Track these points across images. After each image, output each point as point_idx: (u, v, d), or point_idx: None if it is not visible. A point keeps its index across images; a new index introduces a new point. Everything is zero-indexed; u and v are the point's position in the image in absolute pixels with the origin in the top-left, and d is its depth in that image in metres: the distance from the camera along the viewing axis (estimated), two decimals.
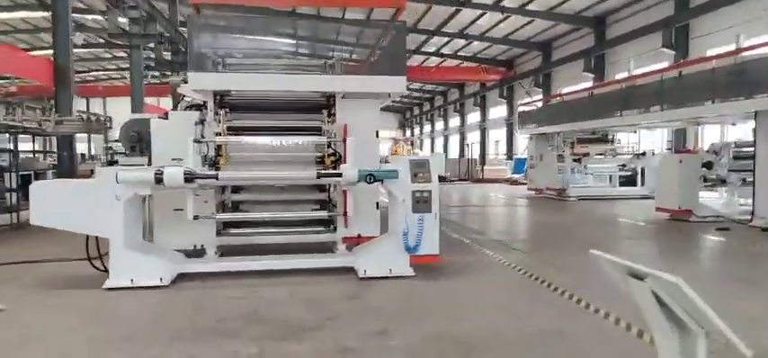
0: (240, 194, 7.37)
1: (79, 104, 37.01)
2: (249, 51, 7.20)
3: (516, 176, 26.56)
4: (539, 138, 17.87)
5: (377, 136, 7.60)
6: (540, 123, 17.95)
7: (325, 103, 7.38)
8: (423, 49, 32.96)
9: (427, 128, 53.92)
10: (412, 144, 53.72)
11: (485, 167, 32.42)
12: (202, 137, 6.82)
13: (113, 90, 37.89)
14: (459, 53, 33.32)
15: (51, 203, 5.53)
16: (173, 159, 6.66)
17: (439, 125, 50.27)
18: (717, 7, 17.14)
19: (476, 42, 30.52)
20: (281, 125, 7.14)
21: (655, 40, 20.11)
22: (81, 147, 29.59)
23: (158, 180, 5.52)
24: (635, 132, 17.93)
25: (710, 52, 15.63)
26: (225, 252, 7.12)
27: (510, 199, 17.56)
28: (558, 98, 20.32)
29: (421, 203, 6.13)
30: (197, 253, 7.02)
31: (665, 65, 15.40)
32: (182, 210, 6.82)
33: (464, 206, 15.81)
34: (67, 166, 12.06)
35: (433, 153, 37.86)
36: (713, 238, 9.18)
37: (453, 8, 25.21)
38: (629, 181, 17.52)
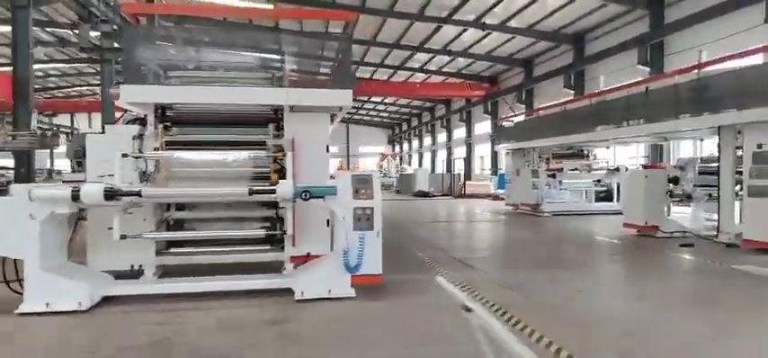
0: (183, 212, 7.13)
1: (63, 120, 36.68)
2: (191, 63, 6.97)
3: (499, 192, 26.42)
4: (515, 153, 17.75)
5: (327, 151, 7.39)
6: (515, 139, 17.84)
7: (274, 117, 7.19)
8: (407, 65, 33.00)
9: (415, 143, 53.90)
10: (401, 159, 53.67)
11: (469, 183, 32.30)
12: (141, 152, 6.58)
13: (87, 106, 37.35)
14: (443, 69, 33.37)
15: None
16: (108, 176, 6.44)
17: (427, 140, 50.26)
18: (690, 24, 17.20)
19: (460, 59, 30.59)
20: (226, 140, 6.91)
21: (631, 58, 20.18)
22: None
23: (75, 197, 5.28)
24: (608, 148, 17.84)
25: None
26: (170, 272, 6.89)
27: (486, 215, 17.39)
28: (533, 114, 20.30)
29: (362, 221, 5.92)
30: (135, 274, 6.75)
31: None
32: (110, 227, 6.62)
33: (438, 222, 15.62)
34: (25, 182, 11.77)
35: (418, 168, 37.73)
36: (677, 255, 9.01)
37: (435, 25, 25.27)
38: (605, 196, 17.40)
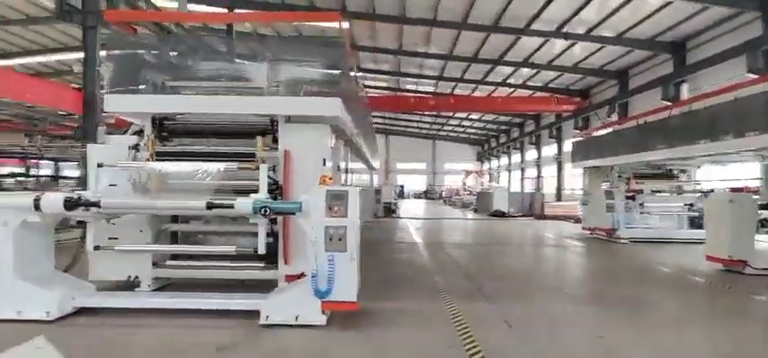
0: (179, 224, 7.00)
1: None
2: (181, 72, 6.84)
3: None
4: (592, 172, 16.10)
5: (324, 164, 6.91)
6: (592, 155, 16.15)
7: (269, 128, 6.85)
8: (488, 79, 31.81)
9: (505, 160, 51.98)
10: (490, 176, 51.96)
11: (556, 203, 30.24)
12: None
13: None
14: (528, 83, 31.74)
15: None
16: (109, 186, 6.46)
17: (516, 157, 48.23)
18: None
19: (546, 71, 28.91)
20: (217, 151, 6.68)
21: (740, 65, 17.67)
22: None
23: (37, 206, 5.24)
24: (699, 166, 15.61)
25: None
26: (172, 285, 6.87)
27: (553, 239, 15.91)
28: (608, 127, 18.41)
29: (334, 241, 5.34)
30: (130, 285, 6.70)
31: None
32: (116, 238, 6.61)
33: (488, 244, 14.49)
34: None
35: (497, 186, 36.04)
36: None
37: (513, 37, 24.06)
38: (699, 222, 15.22)
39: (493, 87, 33.59)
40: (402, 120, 51.84)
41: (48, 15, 20.99)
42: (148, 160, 6.49)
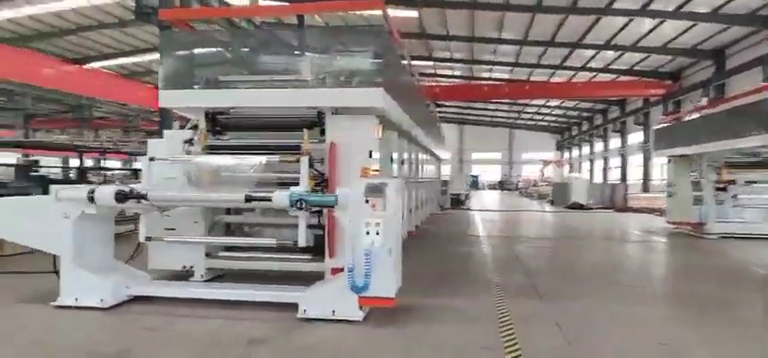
0: (231, 216, 7.17)
1: None
2: (232, 66, 6.98)
3: None
4: (678, 161, 14.77)
5: (370, 156, 6.78)
6: (676, 143, 14.81)
7: (317, 121, 6.83)
8: (567, 64, 30.29)
9: (586, 149, 49.53)
10: (571, 166, 49.79)
11: (642, 195, 28.33)
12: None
13: None
14: (611, 66, 29.88)
15: (7, 219, 5.85)
16: (165, 179, 6.73)
17: (598, 146, 45.78)
18: None
19: (631, 53, 27.07)
20: (268, 144, 6.75)
21: None
22: None
23: (90, 199, 5.51)
24: None
25: None
26: (228, 276, 7.10)
27: (631, 233, 14.85)
28: (696, 112, 16.81)
29: (371, 235, 5.21)
30: (185, 274, 6.95)
31: None
32: (173, 229, 6.88)
33: (557, 239, 13.75)
34: None
35: (576, 176, 34.19)
36: None
37: (593, 17, 22.70)
38: None
39: (573, 72, 32.01)
40: (476, 108, 50.70)
41: (115, 21, 22.47)
42: (200, 154, 6.66)
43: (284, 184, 6.20)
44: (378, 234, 5.20)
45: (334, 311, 5.27)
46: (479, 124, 58.29)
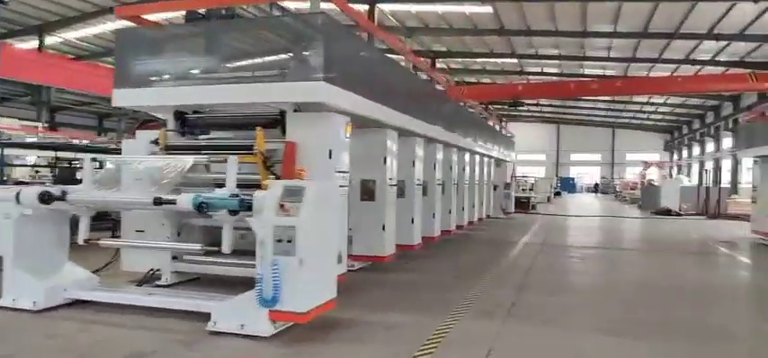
0: (197, 219, 6.96)
1: None
2: (188, 63, 6.75)
3: None
4: (764, 163, 12.50)
5: (330, 156, 6.25)
6: (760, 141, 12.53)
7: (279, 119, 6.43)
8: (665, 57, 27.22)
9: (697, 150, 44.54)
10: (678, 168, 45.03)
11: (744, 200, 24.70)
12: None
13: None
14: (717, 58, 26.39)
15: None
16: (136, 180, 6.70)
17: (710, 146, 40.92)
18: None
19: (736, 43, 23.71)
20: (220, 144, 6.49)
21: None
22: None
23: (17, 199, 5.50)
24: None
25: None
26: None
27: (704, 243, 12.82)
28: None
29: (282, 243, 4.68)
30: (149, 278, 6.82)
31: None
32: (143, 231, 6.82)
33: (613, 249, 12.23)
34: None
35: (667, 179, 30.47)
36: None
37: (689, 3, 20.09)
38: None
39: (674, 65, 28.78)
40: (572, 107, 47.48)
41: None
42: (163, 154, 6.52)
43: (245, 186, 5.87)
44: (289, 242, 4.67)
45: (242, 326, 4.83)
46: (578, 124, 54.74)
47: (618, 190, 42.17)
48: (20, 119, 22.53)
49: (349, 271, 8.04)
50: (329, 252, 5.17)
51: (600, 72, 32.17)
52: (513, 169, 35.73)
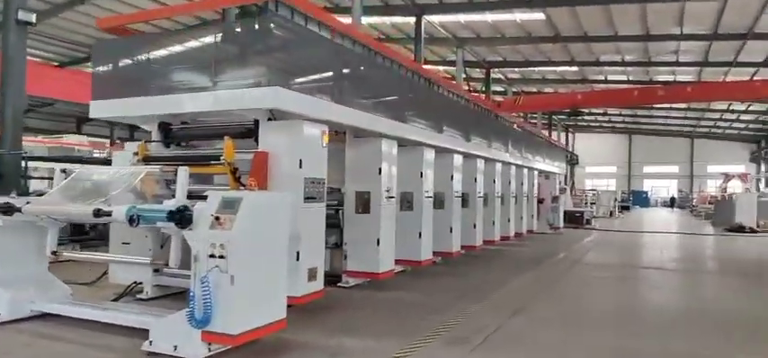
0: None
1: None
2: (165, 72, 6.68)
3: None
4: None
5: (300, 166, 5.95)
6: None
7: (254, 128, 6.25)
8: (740, 59, 24.92)
9: None
10: (767, 181, 41.06)
11: None
12: None
13: None
14: None
15: None
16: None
17: None
18: None
19: None
20: (193, 155, 6.37)
21: None
22: None
23: None
24: None
25: None
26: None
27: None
28: None
29: (215, 259, 4.42)
30: (131, 291, 6.79)
31: None
32: (128, 243, 6.83)
33: (652, 268, 11.06)
34: None
35: (744, 192, 27.40)
36: None
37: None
38: None
39: (754, 69, 26.30)
40: (643, 116, 44.63)
41: None
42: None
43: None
44: (222, 257, 4.40)
45: (175, 347, 4.58)
46: (652, 134, 51.41)
47: (694, 204, 38.96)
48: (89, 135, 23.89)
49: (340, 287, 7.73)
50: (275, 268, 4.84)
51: (670, 78, 30.00)
52: (569, 181, 33.84)
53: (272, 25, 5.96)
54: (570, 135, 50.81)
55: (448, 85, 12.09)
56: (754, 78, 26.88)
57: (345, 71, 7.26)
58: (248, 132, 6.33)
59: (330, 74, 6.70)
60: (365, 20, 21.69)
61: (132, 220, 4.68)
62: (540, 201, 17.90)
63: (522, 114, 32.87)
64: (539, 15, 21.34)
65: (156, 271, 6.74)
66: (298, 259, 5.91)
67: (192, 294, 4.49)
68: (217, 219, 4.51)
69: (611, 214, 28.26)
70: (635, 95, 27.39)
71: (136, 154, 6.74)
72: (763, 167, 45.47)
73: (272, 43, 5.85)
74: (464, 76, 26.57)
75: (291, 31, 6.33)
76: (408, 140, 8.55)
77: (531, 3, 19.35)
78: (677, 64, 26.91)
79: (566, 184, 26.70)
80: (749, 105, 35.49)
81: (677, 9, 19.73)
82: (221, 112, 6.23)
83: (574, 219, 21.24)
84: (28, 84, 8.65)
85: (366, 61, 7.72)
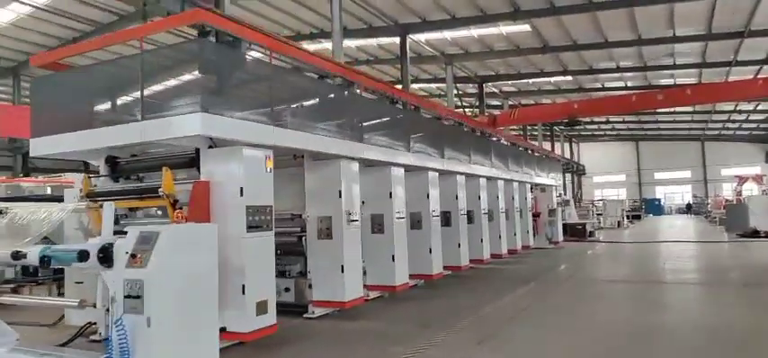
0: None
1: None
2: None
3: None
4: None
5: (241, 194, 5.69)
6: None
7: (195, 157, 6.03)
8: (740, 58, 24.39)
9: None
10: None
11: None
12: None
13: None
14: None
15: None
16: (74, 229, 6.60)
17: None
18: None
19: None
20: (132, 188, 6.16)
21: None
22: None
23: None
24: None
25: None
26: None
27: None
28: None
29: (131, 299, 4.16)
30: (84, 332, 6.54)
31: None
32: (81, 282, 6.61)
33: (649, 282, 10.59)
34: None
35: (758, 196, 26.52)
36: None
37: None
38: None
39: (756, 67, 25.76)
40: (647, 121, 43.93)
41: None
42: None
43: None
44: (138, 298, 4.13)
45: None
46: (659, 140, 50.55)
47: (709, 209, 37.96)
48: None
49: (306, 318, 7.41)
50: (202, 307, 4.55)
51: (669, 81, 29.48)
52: (577, 192, 33.08)
53: (201, 49, 5.76)
54: (575, 145, 50.19)
55: (418, 101, 11.74)
56: (757, 76, 26.31)
57: (290, 93, 7.04)
58: (191, 161, 6.12)
59: (269, 97, 6.45)
60: (351, 42, 21.71)
61: (43, 262, 4.44)
62: (536, 216, 17.43)
63: (519, 127, 32.55)
64: (524, 27, 21.13)
65: (107, 310, 6.50)
66: (244, 293, 5.63)
67: (108, 340, 4.22)
68: (133, 256, 4.27)
69: (618, 224, 27.54)
70: (633, 101, 26.78)
71: (81, 190, 6.56)
72: None
73: (205, 67, 5.65)
74: (456, 92, 26.38)
75: (223, 55, 6.09)
76: (372, 160, 8.28)
77: (515, 15, 19.09)
78: (675, 67, 26.46)
79: (566, 196, 26.12)
80: (757, 105, 34.75)
81: (666, 11, 19.38)
82: (161, 143, 6.02)
83: (576, 233, 20.64)
84: None
85: (314, 82, 7.44)
